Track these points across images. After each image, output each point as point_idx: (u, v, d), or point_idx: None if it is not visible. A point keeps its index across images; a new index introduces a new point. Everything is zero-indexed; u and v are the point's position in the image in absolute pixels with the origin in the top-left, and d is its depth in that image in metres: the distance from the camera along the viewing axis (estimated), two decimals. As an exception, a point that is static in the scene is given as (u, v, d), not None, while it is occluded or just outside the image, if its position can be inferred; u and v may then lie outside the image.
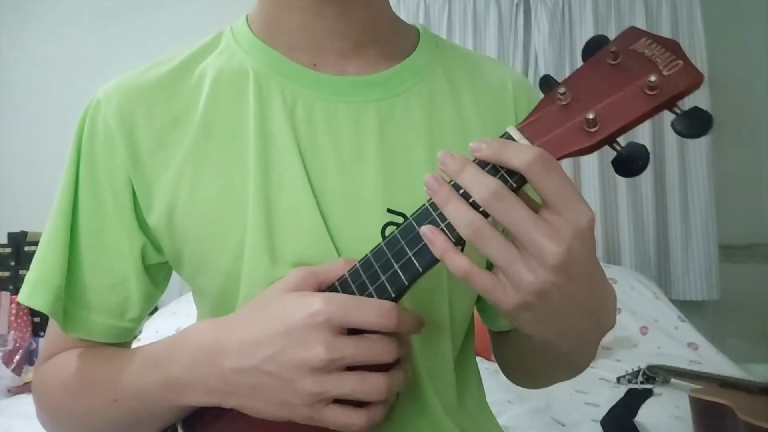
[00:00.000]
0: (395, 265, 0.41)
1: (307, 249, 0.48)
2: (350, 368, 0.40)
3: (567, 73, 2.39)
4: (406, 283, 0.41)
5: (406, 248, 0.41)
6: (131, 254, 0.52)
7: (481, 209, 0.37)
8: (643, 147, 0.36)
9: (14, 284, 2.32)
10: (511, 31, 2.61)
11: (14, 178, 2.69)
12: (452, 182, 0.38)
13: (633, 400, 1.36)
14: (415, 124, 0.53)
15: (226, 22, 0.59)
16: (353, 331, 0.41)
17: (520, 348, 0.57)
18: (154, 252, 0.53)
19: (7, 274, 2.35)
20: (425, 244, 0.39)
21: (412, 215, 0.41)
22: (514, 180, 0.37)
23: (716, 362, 1.73)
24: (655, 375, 1.52)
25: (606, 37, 0.40)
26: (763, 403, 1.11)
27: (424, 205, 0.41)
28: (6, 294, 2.21)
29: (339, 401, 0.40)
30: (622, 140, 0.38)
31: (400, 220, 0.50)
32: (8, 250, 2.37)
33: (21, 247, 2.37)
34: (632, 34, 0.39)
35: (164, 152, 0.50)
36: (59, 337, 0.54)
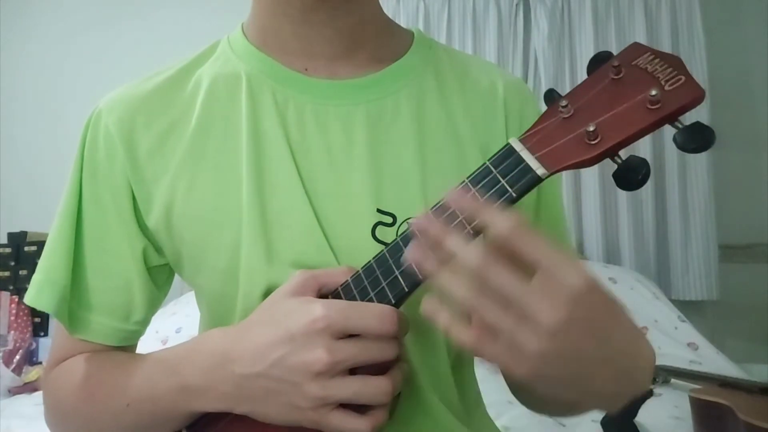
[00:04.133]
0: (396, 271, 0.42)
1: (302, 246, 0.49)
2: (353, 373, 0.41)
3: (567, 74, 2.39)
4: (406, 289, 0.41)
5: (393, 267, 0.42)
6: (133, 257, 0.53)
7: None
8: (643, 160, 0.36)
9: (14, 284, 2.32)
10: (511, 32, 2.61)
11: (14, 178, 2.69)
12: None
13: (633, 401, 1.36)
14: (404, 124, 0.53)
15: (224, 26, 0.60)
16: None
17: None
18: (155, 254, 0.55)
19: (7, 274, 2.34)
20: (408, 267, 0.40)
21: (400, 236, 0.42)
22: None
23: (716, 362, 1.72)
24: (655, 375, 1.52)
25: (610, 53, 0.40)
26: (763, 403, 1.11)
27: (407, 228, 0.41)
28: (6, 294, 2.21)
29: (344, 406, 0.41)
30: (623, 154, 0.38)
31: (389, 220, 0.51)
32: (8, 250, 2.37)
33: (21, 247, 2.37)
34: (635, 49, 0.39)
35: (162, 156, 0.52)
36: (67, 341, 0.55)
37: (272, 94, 0.53)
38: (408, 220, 0.51)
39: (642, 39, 2.50)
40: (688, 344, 1.88)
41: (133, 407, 0.48)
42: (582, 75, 2.51)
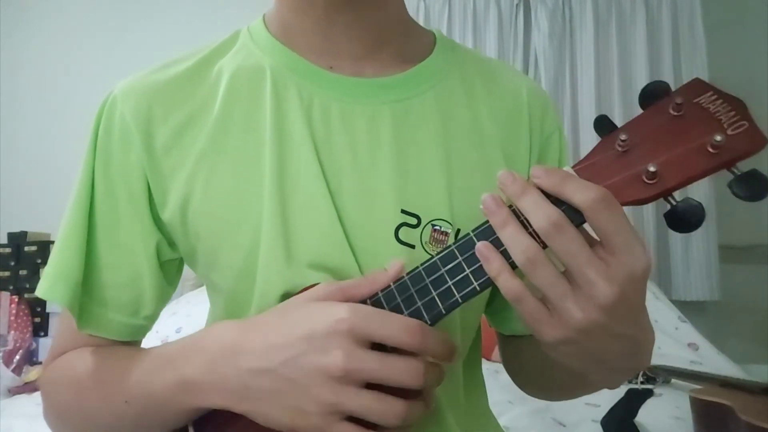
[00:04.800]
0: (433, 292, 0.41)
1: (322, 247, 0.48)
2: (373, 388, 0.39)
3: (567, 74, 2.38)
4: (444, 311, 0.40)
5: (446, 276, 0.40)
6: (145, 251, 0.52)
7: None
8: (699, 206, 0.35)
9: (14, 284, 2.32)
10: (511, 31, 2.61)
11: (14, 178, 2.69)
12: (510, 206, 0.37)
13: (633, 401, 1.36)
14: (429, 126, 0.53)
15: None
16: (381, 348, 0.40)
17: (542, 363, 0.55)
18: (168, 248, 0.54)
19: (7, 274, 2.34)
20: (467, 275, 0.39)
21: (454, 243, 0.40)
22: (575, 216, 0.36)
23: (717, 363, 1.72)
24: (656, 375, 1.52)
25: (668, 85, 0.39)
26: (764, 403, 1.11)
27: (468, 234, 0.40)
28: (6, 294, 2.21)
29: (353, 421, 0.39)
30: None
31: (413, 221, 0.50)
32: (8, 250, 2.37)
33: (21, 247, 2.37)
34: (698, 86, 0.38)
35: (180, 149, 0.51)
36: (70, 334, 0.53)
37: (297, 90, 0.52)
38: (433, 221, 0.50)
39: (642, 40, 2.50)
40: (689, 344, 1.88)
41: (132, 404, 0.47)
42: (583, 75, 2.54)
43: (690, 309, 2.31)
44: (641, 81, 2.49)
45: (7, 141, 2.72)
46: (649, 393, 1.43)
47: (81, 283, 0.51)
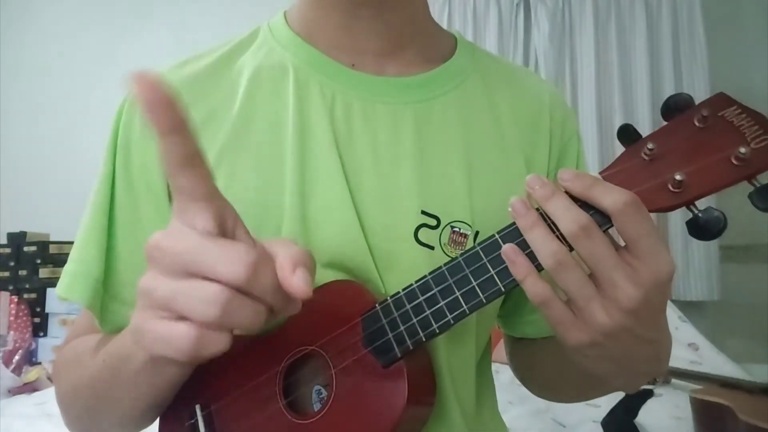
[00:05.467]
0: (457, 291, 0.41)
1: (340, 246, 0.48)
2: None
3: (567, 74, 2.37)
4: (467, 311, 0.40)
5: (471, 277, 0.40)
6: None
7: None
8: (721, 215, 0.36)
9: (14, 284, 2.32)
10: (511, 31, 2.61)
11: (14, 178, 2.69)
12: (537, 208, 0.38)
13: (633, 401, 1.36)
14: (451, 128, 0.53)
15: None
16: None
17: (558, 366, 0.55)
18: None
19: (7, 274, 2.34)
20: (492, 276, 0.39)
21: (479, 245, 0.40)
22: (604, 221, 0.37)
23: (717, 362, 1.73)
24: (656, 375, 1.52)
25: (691, 98, 0.40)
26: (764, 403, 1.11)
27: (493, 236, 0.40)
28: (6, 294, 2.21)
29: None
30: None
31: (433, 222, 0.50)
32: (8, 250, 2.37)
33: (21, 247, 2.37)
34: (722, 100, 0.40)
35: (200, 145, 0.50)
36: (89, 325, 0.53)
37: (319, 88, 0.52)
38: (452, 223, 0.50)
39: (642, 40, 2.50)
40: (689, 344, 1.88)
41: (106, 363, 0.45)
42: (583, 75, 2.53)
43: (690, 309, 2.31)
44: (641, 81, 2.49)
45: (7, 141, 2.72)
46: (649, 393, 1.43)
47: (102, 281, 0.50)
